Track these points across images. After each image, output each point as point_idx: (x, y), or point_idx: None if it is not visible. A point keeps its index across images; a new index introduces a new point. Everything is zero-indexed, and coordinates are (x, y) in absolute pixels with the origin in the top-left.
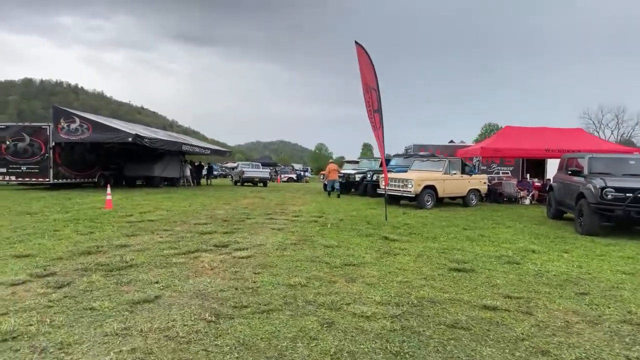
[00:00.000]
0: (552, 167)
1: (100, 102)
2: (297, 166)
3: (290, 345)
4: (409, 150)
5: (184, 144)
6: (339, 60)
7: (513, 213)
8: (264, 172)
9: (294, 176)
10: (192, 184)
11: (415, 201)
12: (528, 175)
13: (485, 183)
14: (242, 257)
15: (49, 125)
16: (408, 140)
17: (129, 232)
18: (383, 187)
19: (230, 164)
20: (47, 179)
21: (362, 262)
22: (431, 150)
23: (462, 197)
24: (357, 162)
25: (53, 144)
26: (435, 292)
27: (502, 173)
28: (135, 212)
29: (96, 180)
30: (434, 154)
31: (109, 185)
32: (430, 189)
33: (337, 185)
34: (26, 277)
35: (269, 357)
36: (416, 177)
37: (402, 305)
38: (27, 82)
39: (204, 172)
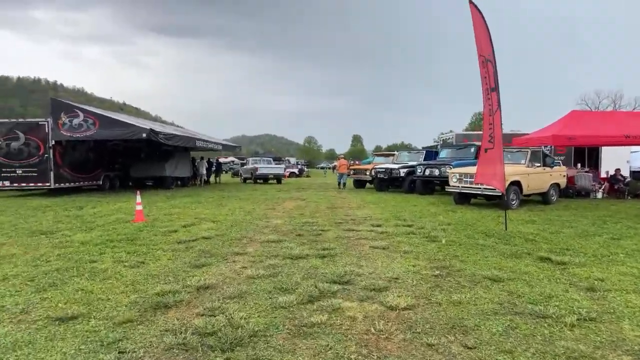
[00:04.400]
0: (607, 157)
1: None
2: (292, 160)
3: None
4: (450, 141)
5: (198, 139)
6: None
7: (616, 210)
8: (279, 168)
9: (296, 170)
10: (201, 183)
11: (494, 200)
12: (579, 165)
13: (564, 176)
14: (404, 309)
15: (47, 121)
16: (394, 135)
17: (193, 259)
18: (455, 184)
19: (223, 159)
20: (48, 184)
21: (584, 310)
22: (475, 140)
23: (543, 194)
24: (389, 155)
25: (53, 142)
26: None
27: (579, 166)
28: (176, 225)
29: (101, 182)
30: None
31: (139, 193)
32: (515, 185)
33: (344, 180)
34: None
35: None
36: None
37: None
38: (4, 80)
39: (213, 169)
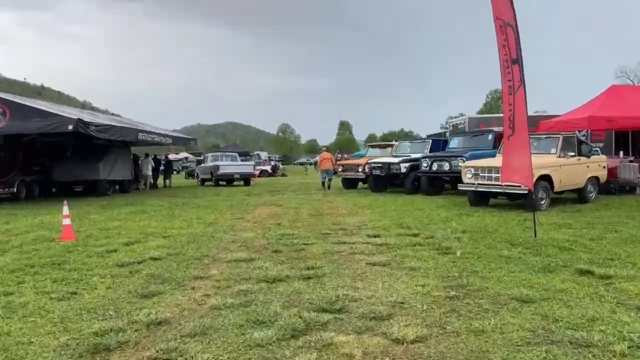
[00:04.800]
0: None
1: None
2: (263, 155)
3: None
4: (461, 127)
5: (141, 131)
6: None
7: None
8: (246, 166)
9: (268, 168)
10: (146, 187)
11: (519, 200)
12: (622, 153)
13: (605, 167)
14: (412, 342)
15: None
16: (393, 122)
17: (139, 286)
18: (470, 181)
19: (173, 156)
20: None
21: (636, 336)
22: (495, 125)
23: (578, 190)
24: (387, 146)
25: None
26: None
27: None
28: (116, 243)
29: (15, 190)
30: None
31: (66, 203)
32: (545, 180)
33: (329, 177)
34: None
35: None
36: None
37: None
38: None
39: (162, 168)
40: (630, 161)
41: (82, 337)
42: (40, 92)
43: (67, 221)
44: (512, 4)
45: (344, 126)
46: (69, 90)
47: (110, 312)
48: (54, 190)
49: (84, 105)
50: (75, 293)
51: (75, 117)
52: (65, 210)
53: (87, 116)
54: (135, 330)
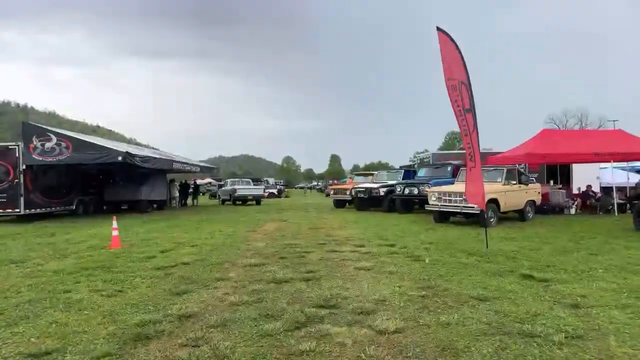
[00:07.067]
0: (579, 174)
1: (52, 122)
2: (271, 180)
3: None
4: (427, 160)
5: (175, 161)
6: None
7: (590, 226)
8: (258, 189)
9: (275, 191)
10: (178, 206)
11: (473, 218)
12: (552, 182)
13: (539, 193)
14: (393, 333)
15: (18, 145)
16: (357, 155)
17: (172, 286)
18: (435, 202)
19: (200, 181)
20: (18, 209)
21: (571, 328)
22: (453, 159)
23: (519, 211)
24: (368, 174)
25: (24, 167)
26: None
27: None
28: (154, 251)
29: (74, 207)
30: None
31: (115, 218)
32: (493, 203)
33: None
34: None
35: None
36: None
37: None
38: None
39: (190, 190)
40: (559, 188)
41: (126, 327)
42: (96, 130)
43: (115, 233)
44: (465, 67)
45: (334, 158)
46: (118, 129)
47: (149, 307)
48: (104, 208)
49: (130, 141)
50: (121, 291)
51: (124, 150)
52: (114, 224)
53: (133, 149)
54: (170, 322)
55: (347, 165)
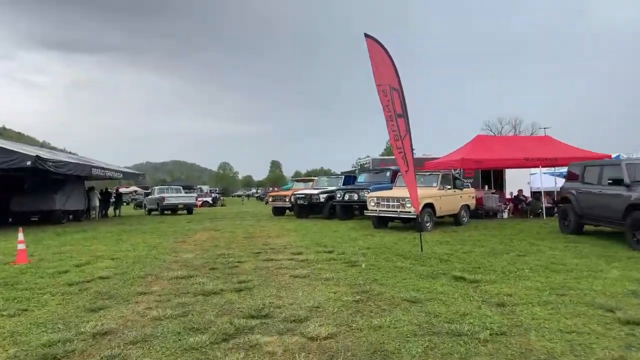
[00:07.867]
0: (511, 179)
1: None
2: (205, 188)
3: None
4: (367, 165)
5: (94, 167)
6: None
7: (520, 229)
8: (190, 197)
9: (210, 200)
10: (98, 216)
11: (410, 223)
12: (486, 187)
13: (474, 198)
14: (325, 339)
15: None
16: (302, 162)
17: (87, 302)
18: (373, 208)
19: (124, 189)
20: None
21: (495, 325)
22: (391, 164)
23: (454, 215)
24: (308, 181)
25: None
26: None
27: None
28: (67, 265)
29: None
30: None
31: (21, 230)
32: (429, 207)
33: None
34: None
35: None
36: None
37: None
38: None
39: (112, 199)
40: (493, 193)
41: (30, 349)
42: (2, 132)
43: (21, 246)
44: (396, 72)
45: (275, 165)
46: (29, 132)
47: (59, 326)
48: (10, 220)
49: (43, 145)
50: (26, 310)
51: (34, 155)
52: (20, 236)
53: (45, 154)
54: (82, 340)
55: (288, 172)
